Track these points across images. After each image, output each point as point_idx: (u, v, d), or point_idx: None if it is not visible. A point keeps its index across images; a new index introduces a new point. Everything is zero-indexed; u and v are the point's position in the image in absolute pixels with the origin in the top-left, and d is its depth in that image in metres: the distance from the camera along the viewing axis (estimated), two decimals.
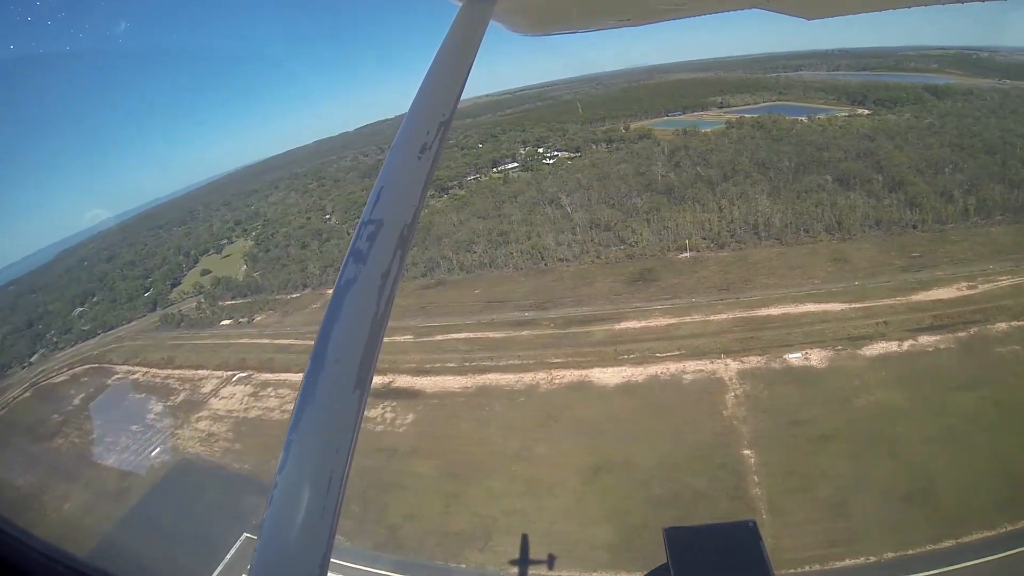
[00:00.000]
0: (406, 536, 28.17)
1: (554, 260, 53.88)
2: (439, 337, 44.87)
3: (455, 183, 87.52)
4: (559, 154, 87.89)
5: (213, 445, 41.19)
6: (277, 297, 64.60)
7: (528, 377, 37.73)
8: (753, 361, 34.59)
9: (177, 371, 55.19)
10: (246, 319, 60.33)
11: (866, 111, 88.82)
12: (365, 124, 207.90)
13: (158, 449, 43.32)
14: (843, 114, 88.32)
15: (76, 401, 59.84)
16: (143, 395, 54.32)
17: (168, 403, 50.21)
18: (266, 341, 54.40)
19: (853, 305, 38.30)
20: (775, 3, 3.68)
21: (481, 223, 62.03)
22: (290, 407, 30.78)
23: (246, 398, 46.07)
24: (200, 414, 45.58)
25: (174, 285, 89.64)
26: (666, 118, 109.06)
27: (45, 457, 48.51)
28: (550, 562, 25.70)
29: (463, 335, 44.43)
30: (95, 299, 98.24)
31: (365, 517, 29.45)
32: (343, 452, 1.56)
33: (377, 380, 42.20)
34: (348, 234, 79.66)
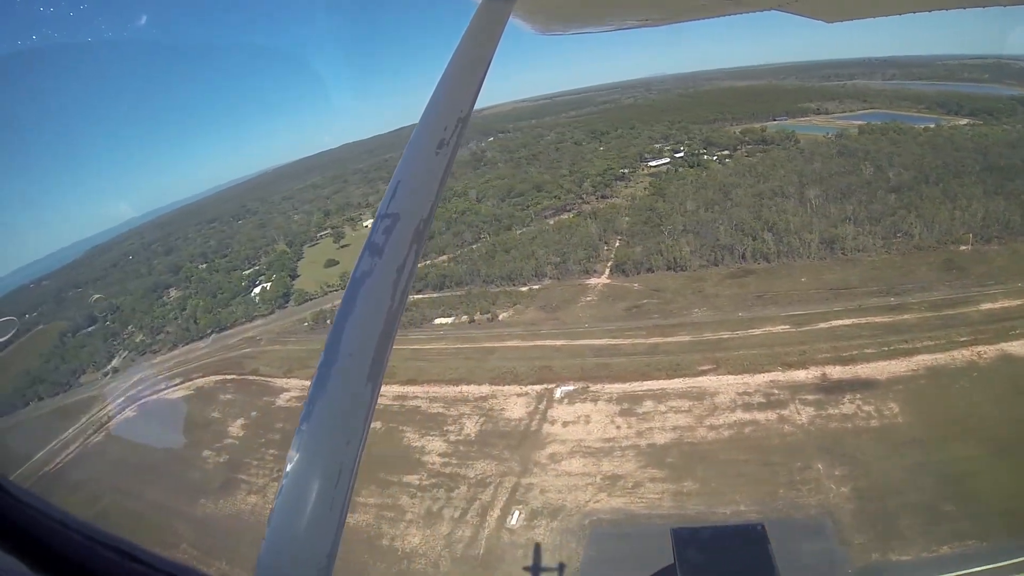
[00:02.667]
0: None
1: (851, 250, 53.26)
2: (822, 325, 41.05)
3: (622, 172, 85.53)
4: (720, 152, 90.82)
5: (640, 493, 29.75)
6: (510, 289, 54.82)
7: (957, 355, 36.60)
8: None
9: (413, 388, 42.59)
10: (487, 316, 50.37)
11: (977, 121, 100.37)
12: (400, 127, 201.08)
13: (518, 514, 29.97)
14: (962, 122, 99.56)
15: (235, 430, 45.73)
16: (377, 425, 40.80)
17: (451, 436, 37.10)
18: (559, 343, 44.35)
19: None
20: (795, 5, 3.75)
21: (733, 213, 60.55)
22: (710, 421, 35.21)
23: (617, 418, 35.53)
24: (549, 450, 33.84)
25: (291, 278, 78.42)
26: (774, 122, 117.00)
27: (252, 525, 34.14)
28: (560, 569, 26.82)
29: (846, 321, 41.18)
30: (172, 291, 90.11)
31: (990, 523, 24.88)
32: (354, 444, 1.61)
33: (800, 374, 36.47)
34: (528, 219, 74.59)
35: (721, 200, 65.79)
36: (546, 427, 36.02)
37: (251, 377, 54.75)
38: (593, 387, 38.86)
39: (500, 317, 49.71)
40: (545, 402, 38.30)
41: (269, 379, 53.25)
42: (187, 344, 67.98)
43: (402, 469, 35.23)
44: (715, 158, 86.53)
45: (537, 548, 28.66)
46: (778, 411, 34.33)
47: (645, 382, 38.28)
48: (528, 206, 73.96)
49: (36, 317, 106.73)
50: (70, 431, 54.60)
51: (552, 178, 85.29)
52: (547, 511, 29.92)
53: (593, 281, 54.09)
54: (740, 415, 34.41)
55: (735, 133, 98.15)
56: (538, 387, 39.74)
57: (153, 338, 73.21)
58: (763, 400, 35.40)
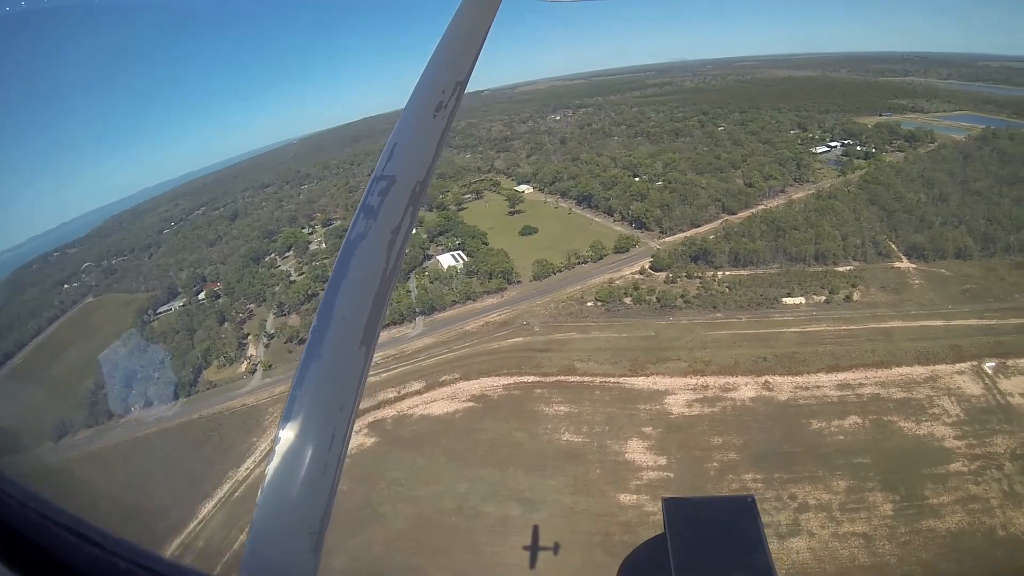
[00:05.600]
0: None
1: None
2: None
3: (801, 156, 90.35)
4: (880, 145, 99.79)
5: None
6: (823, 269, 57.19)
7: None
8: None
9: (848, 375, 42.45)
10: (843, 296, 52.30)
11: None
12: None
13: None
14: None
15: (645, 458, 37.57)
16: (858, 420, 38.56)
17: (944, 419, 38.31)
18: (938, 323, 48.25)
19: None
20: None
21: (975, 207, 66.65)
22: None
23: None
24: None
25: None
26: (880, 118, 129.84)
27: None
28: (555, 549, 31.71)
29: None
30: (275, 258, 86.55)
31: None
32: (347, 409, 1.74)
33: None
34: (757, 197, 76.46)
35: (938, 195, 74.27)
36: (1010, 400, 40.05)
37: (571, 379, 46.83)
38: (1009, 362, 43.38)
39: (854, 297, 53.88)
40: (986, 378, 42.31)
41: (611, 379, 46.18)
42: (401, 325, 60.61)
43: (936, 460, 35.84)
44: (883, 152, 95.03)
45: (535, 529, 33.03)
46: None
47: None
48: (752, 184, 77.96)
49: (78, 288, 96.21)
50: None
51: (731, 156, 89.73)
52: None
53: (900, 265, 59.64)
54: None
55: (868, 127, 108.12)
56: (963, 364, 43.62)
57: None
58: None
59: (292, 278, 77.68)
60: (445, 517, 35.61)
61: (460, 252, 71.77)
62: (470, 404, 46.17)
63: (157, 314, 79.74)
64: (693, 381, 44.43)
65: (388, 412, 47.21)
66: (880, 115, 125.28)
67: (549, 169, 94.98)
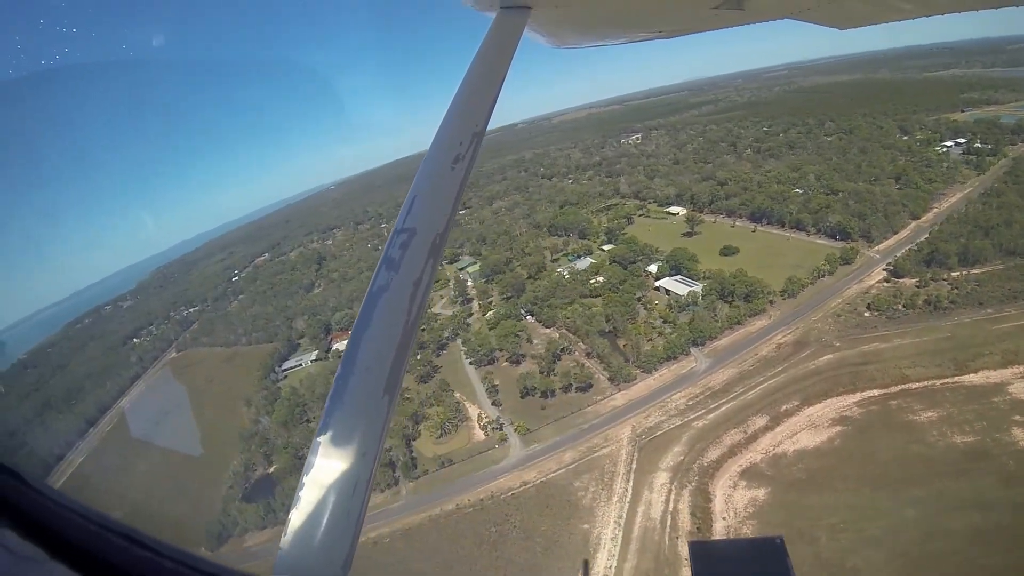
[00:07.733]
0: None
1: None
2: None
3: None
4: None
5: None
6: None
7: None
8: None
9: None
10: None
11: None
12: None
13: None
14: None
15: None
16: None
17: None
18: None
19: None
20: (807, 13, 4.17)
21: None
22: None
23: None
24: None
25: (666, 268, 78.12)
26: (963, 113, 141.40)
27: None
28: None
29: None
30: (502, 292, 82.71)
31: None
32: (370, 456, 1.89)
33: None
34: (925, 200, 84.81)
35: None
36: None
37: (913, 385, 49.56)
38: None
39: None
40: None
41: (948, 380, 49.16)
42: (652, 372, 58.68)
43: None
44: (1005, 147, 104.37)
45: (585, 564, 36.62)
46: None
47: None
48: (919, 187, 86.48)
49: (151, 341, 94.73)
50: None
51: (879, 162, 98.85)
52: None
53: None
54: None
55: (970, 124, 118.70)
56: None
57: (548, 367, 59.57)
58: None
59: (466, 321, 76.38)
60: (923, 546, 35.44)
61: (682, 277, 76.87)
62: (838, 428, 47.10)
63: (284, 371, 73.73)
64: (1018, 370, 49.55)
65: (752, 456, 46.88)
66: (962, 110, 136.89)
67: (701, 189, 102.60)
